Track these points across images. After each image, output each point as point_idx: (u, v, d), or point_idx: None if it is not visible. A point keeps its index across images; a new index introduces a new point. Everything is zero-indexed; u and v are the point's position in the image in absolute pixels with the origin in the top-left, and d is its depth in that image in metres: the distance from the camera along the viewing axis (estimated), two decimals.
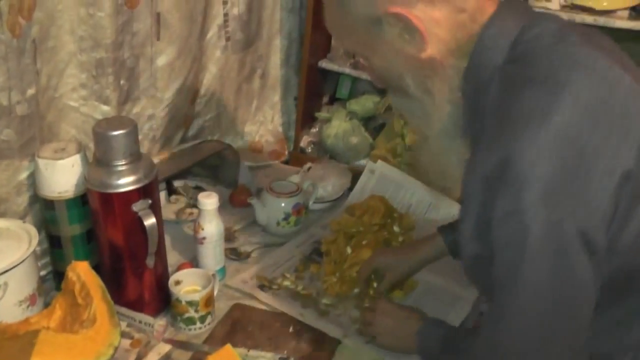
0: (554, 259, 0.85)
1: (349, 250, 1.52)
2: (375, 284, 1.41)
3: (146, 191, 1.26)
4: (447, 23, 0.94)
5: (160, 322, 1.30)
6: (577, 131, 0.84)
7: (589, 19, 1.70)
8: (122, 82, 1.56)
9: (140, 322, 1.29)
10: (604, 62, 0.90)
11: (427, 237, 1.42)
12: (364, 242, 1.53)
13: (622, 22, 1.68)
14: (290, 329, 1.33)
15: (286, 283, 1.47)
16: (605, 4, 1.70)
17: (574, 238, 0.84)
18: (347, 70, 2.13)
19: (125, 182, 1.23)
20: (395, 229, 1.62)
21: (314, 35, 2.10)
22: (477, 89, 0.95)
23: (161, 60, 1.68)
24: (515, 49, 0.93)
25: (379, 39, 0.97)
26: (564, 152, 0.83)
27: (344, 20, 0.99)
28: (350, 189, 1.87)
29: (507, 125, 0.86)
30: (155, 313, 1.34)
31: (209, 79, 1.94)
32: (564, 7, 1.76)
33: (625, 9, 1.71)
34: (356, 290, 1.44)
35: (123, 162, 1.23)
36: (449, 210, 1.77)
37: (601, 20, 1.68)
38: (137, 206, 1.24)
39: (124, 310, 1.29)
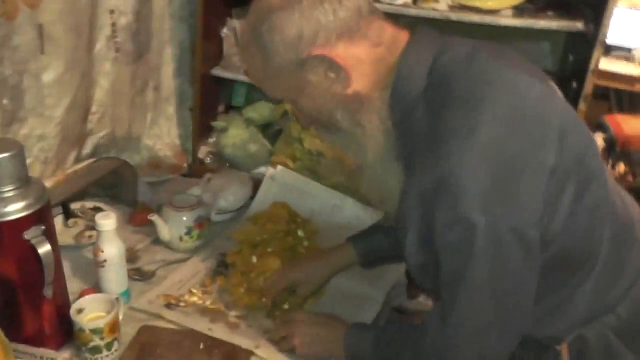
0: (494, 258, 0.93)
1: (254, 259, 1.50)
2: (286, 304, 1.40)
3: (38, 217, 1.18)
4: (367, 58, 1.01)
5: (64, 355, 1.23)
6: (500, 141, 0.91)
7: (475, 17, 1.76)
8: (4, 101, 1.47)
9: (41, 358, 1.21)
10: (513, 75, 0.98)
11: (336, 247, 1.45)
12: (269, 250, 1.51)
13: (507, 20, 1.76)
14: (201, 346, 1.29)
15: (193, 299, 1.43)
16: (490, 3, 1.77)
17: (509, 237, 0.92)
18: (241, 77, 2.11)
19: (14, 209, 1.15)
20: (300, 233, 1.61)
21: (205, 44, 2.08)
22: (403, 116, 1.01)
23: (48, 76, 1.60)
24: (433, 75, 1.00)
25: (305, 81, 1.01)
26: (491, 162, 0.90)
27: (268, 69, 1.02)
28: (252, 197, 1.85)
29: (437, 145, 0.93)
30: (57, 346, 1.26)
31: (100, 94, 1.87)
32: (452, 8, 1.82)
33: (509, 7, 1.78)
34: (264, 300, 1.42)
35: (10, 188, 1.15)
36: (353, 210, 1.79)
37: (487, 19, 1.76)
38: (29, 234, 1.16)
39: (21, 347, 1.20)
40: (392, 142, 1.04)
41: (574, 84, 1.78)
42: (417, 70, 1.00)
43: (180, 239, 1.60)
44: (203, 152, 2.15)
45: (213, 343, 1.30)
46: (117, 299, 1.30)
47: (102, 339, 1.22)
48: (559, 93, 1.07)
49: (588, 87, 1.71)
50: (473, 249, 0.92)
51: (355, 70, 1.00)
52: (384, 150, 1.05)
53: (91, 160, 1.81)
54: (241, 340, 1.30)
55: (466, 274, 0.95)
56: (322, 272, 1.42)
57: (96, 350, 1.23)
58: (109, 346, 1.24)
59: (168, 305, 1.40)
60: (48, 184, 1.53)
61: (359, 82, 1.01)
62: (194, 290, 1.46)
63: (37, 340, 1.23)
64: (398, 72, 1.00)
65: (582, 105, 1.73)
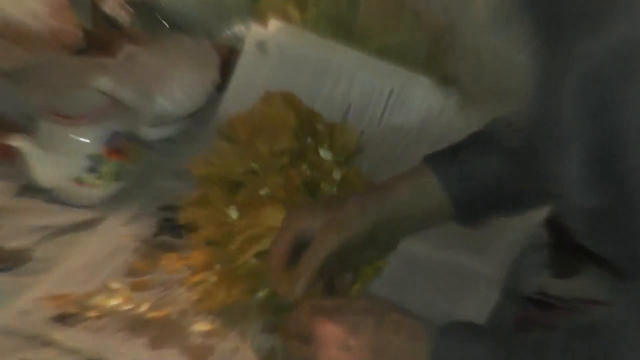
0: None
1: (233, 214, 1.51)
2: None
3: None
4: None
5: None
6: None
7: None
8: None
9: None
10: None
11: (403, 173, 1.45)
12: (262, 193, 1.52)
13: None
14: None
15: (113, 302, 1.45)
16: None
17: None
18: None
19: None
20: (323, 154, 1.63)
21: None
22: None
23: None
24: None
25: None
26: None
27: None
28: (222, 87, 1.85)
29: None
30: None
31: None
32: None
33: None
34: (260, 295, 1.43)
35: None
36: (428, 100, 1.80)
37: None
38: None
39: None
40: None
41: None
42: None
43: (79, 181, 1.61)
44: (112, 2, 2.14)
45: None
46: None
47: None
48: None
49: None
50: None
51: None
52: (502, 4, 1.07)
53: None
54: None
55: None
56: (372, 212, 1.41)
57: None
58: None
59: (62, 318, 1.42)
60: None
61: None
62: (115, 285, 1.47)
63: None
64: None
65: None
